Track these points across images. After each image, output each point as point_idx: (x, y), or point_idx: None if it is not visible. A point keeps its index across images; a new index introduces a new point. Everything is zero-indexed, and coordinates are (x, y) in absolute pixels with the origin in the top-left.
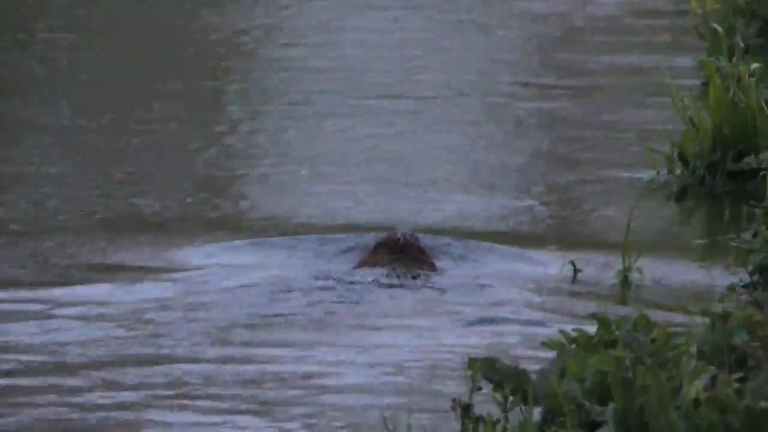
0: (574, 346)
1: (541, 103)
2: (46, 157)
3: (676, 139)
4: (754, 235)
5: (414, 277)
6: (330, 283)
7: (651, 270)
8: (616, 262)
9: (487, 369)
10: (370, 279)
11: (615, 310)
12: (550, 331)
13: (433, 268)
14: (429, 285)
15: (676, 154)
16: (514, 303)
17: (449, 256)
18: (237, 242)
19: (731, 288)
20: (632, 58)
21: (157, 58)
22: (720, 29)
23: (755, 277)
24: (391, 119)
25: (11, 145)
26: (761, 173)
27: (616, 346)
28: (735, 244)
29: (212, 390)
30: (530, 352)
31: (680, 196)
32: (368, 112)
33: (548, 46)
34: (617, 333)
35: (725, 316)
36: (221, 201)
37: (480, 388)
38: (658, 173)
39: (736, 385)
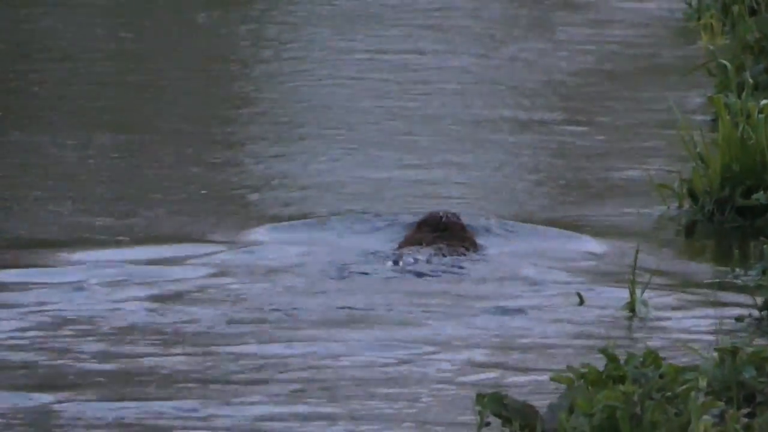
0: (582, 381)
1: (550, 136)
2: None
3: (686, 175)
4: (764, 272)
5: (461, 255)
6: (381, 260)
7: (658, 303)
8: (624, 295)
9: (496, 404)
10: (421, 257)
11: (622, 344)
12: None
13: (475, 246)
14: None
15: (685, 190)
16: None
17: (490, 234)
18: (276, 224)
19: (739, 320)
20: (642, 94)
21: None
22: (729, 66)
23: (764, 313)
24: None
25: None
26: None
27: (624, 381)
28: (744, 280)
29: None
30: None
31: (689, 231)
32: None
33: (558, 80)
34: (625, 368)
35: (734, 352)
36: (247, 188)
37: (488, 424)
38: (668, 208)
39: (744, 420)
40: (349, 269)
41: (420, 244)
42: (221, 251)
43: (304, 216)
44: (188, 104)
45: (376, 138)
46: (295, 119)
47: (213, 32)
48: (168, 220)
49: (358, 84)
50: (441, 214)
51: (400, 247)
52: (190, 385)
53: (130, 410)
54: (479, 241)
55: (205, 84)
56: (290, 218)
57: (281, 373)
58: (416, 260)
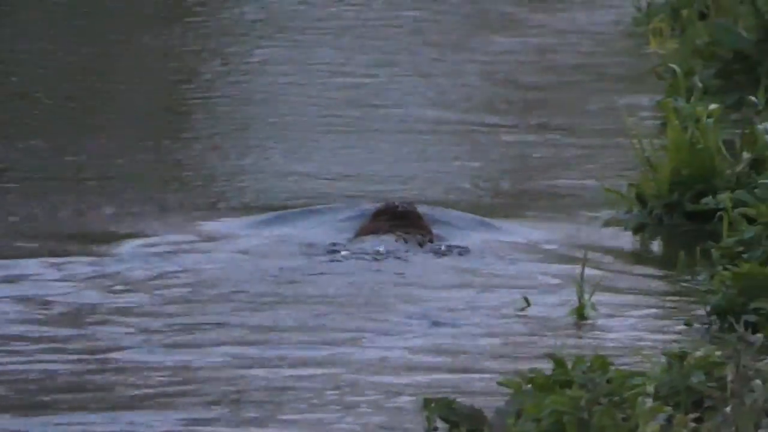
0: (530, 385)
1: (498, 141)
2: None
3: (635, 180)
4: (712, 276)
5: (420, 244)
6: (338, 252)
7: (607, 308)
8: (572, 299)
9: (443, 409)
10: (379, 247)
11: (570, 349)
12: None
13: (432, 236)
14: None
15: (634, 195)
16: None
17: (444, 225)
18: (232, 219)
19: (687, 324)
20: (590, 98)
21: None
22: (679, 70)
23: (713, 318)
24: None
25: None
26: (718, 214)
27: (572, 386)
28: (692, 284)
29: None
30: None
31: (638, 236)
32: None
33: (506, 86)
34: (573, 373)
35: (682, 357)
36: (200, 180)
37: (436, 429)
38: (617, 213)
39: (692, 425)
40: (300, 261)
41: (376, 233)
42: (166, 245)
43: (258, 210)
44: (137, 107)
45: (328, 138)
46: (247, 122)
47: (162, 45)
48: (108, 221)
49: (307, 89)
50: (397, 203)
51: (356, 236)
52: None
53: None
54: (435, 231)
55: (152, 92)
56: (242, 212)
57: (205, 382)
58: (371, 250)
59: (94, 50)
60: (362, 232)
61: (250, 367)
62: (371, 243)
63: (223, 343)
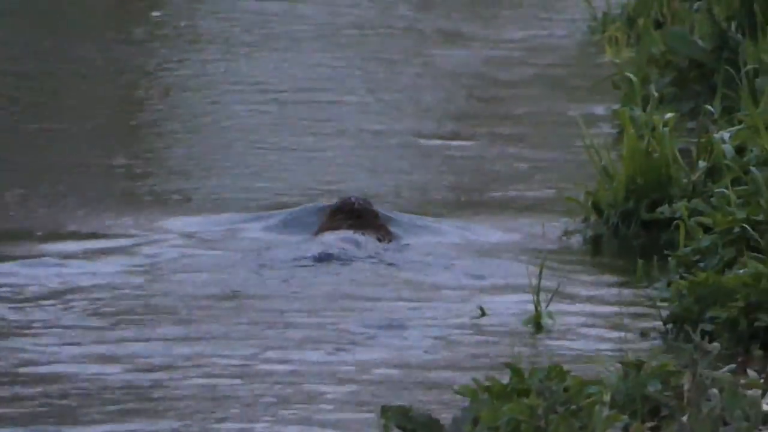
0: (486, 394)
1: (453, 150)
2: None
3: (591, 188)
4: (668, 285)
5: (379, 240)
6: (296, 252)
7: (563, 316)
8: (529, 308)
9: (400, 418)
10: (339, 246)
11: (527, 357)
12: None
13: (390, 235)
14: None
15: (590, 203)
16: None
17: (398, 226)
18: (183, 218)
19: (644, 333)
20: (546, 106)
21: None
22: (634, 78)
23: (669, 326)
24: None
25: None
26: (675, 223)
27: (529, 394)
28: (649, 293)
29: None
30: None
31: (594, 244)
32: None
33: (461, 94)
34: (530, 381)
35: (638, 365)
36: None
37: None
38: (573, 222)
39: None
40: (258, 261)
41: (333, 232)
42: (126, 245)
43: (216, 211)
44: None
45: (282, 145)
46: (195, 137)
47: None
48: (80, 218)
49: (254, 104)
50: (353, 200)
51: (315, 235)
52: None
53: None
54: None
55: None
56: (202, 213)
57: (176, 388)
58: (331, 250)
59: (39, 62)
60: (320, 231)
61: (194, 377)
62: (327, 244)
63: (162, 354)
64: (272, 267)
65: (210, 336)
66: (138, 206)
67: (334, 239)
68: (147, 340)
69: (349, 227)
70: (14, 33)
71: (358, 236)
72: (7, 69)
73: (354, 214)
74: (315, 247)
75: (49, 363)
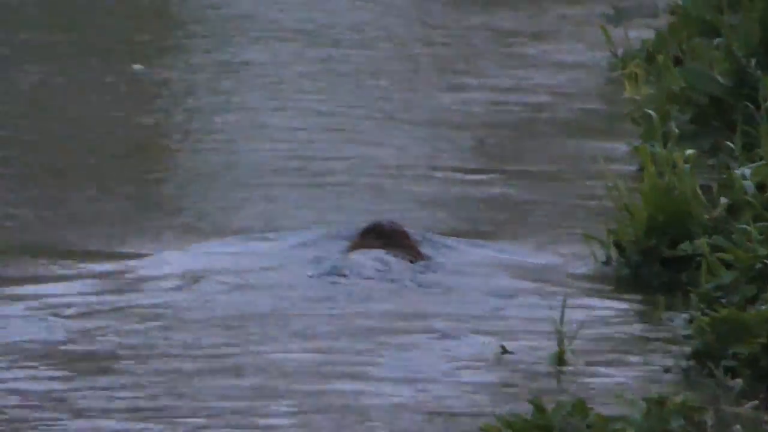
0: (510, 430)
1: (474, 186)
2: None
3: (612, 226)
4: (690, 321)
5: (411, 262)
6: (330, 273)
7: (586, 353)
8: (552, 345)
9: None
10: (369, 267)
11: (550, 394)
12: None
13: (420, 255)
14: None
15: (611, 241)
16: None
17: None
18: (211, 243)
19: (666, 370)
20: (566, 143)
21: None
22: (654, 115)
23: (691, 363)
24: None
25: None
26: (696, 259)
27: (551, 431)
28: (671, 329)
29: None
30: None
31: (615, 280)
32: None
33: (480, 129)
34: (553, 418)
35: (661, 401)
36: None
37: None
38: (594, 259)
39: None
40: (290, 282)
41: (364, 251)
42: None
43: (244, 231)
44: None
45: (293, 177)
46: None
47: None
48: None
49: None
50: (384, 222)
51: (345, 254)
52: None
53: None
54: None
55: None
56: (226, 234)
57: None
58: (362, 270)
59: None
60: (351, 250)
61: (224, 398)
62: (357, 263)
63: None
64: (301, 286)
65: (241, 359)
66: (164, 227)
67: (363, 258)
68: (174, 364)
69: (380, 247)
70: (44, 48)
71: (388, 256)
72: (34, 95)
73: (384, 235)
74: (344, 266)
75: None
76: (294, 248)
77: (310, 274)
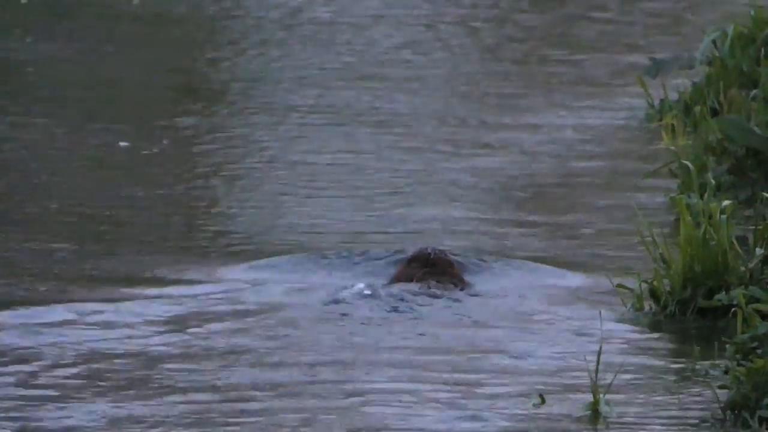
0: None
1: (509, 238)
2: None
3: (647, 276)
4: (726, 371)
5: (449, 289)
6: (377, 297)
7: (621, 404)
8: (587, 395)
9: None
10: (410, 298)
11: None
12: None
13: (463, 282)
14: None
15: (647, 291)
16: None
17: (470, 271)
18: (259, 261)
19: (703, 420)
20: (603, 194)
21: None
22: (691, 166)
23: (727, 413)
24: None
25: None
26: (732, 310)
27: None
28: (707, 380)
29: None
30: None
31: (651, 330)
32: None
33: (516, 183)
34: None
35: None
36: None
37: None
38: (628, 309)
39: None
40: (338, 308)
41: (410, 280)
42: (200, 291)
43: (285, 254)
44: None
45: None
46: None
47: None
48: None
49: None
50: (429, 250)
51: (391, 283)
52: None
53: None
54: (466, 278)
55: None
56: (268, 256)
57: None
58: (407, 298)
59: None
60: (396, 279)
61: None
62: (399, 296)
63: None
64: (342, 318)
65: (284, 390)
66: (203, 249)
67: (405, 291)
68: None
69: (424, 275)
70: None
71: (432, 287)
72: (82, 121)
73: (429, 263)
74: (387, 298)
75: None
76: (337, 274)
77: (341, 308)
